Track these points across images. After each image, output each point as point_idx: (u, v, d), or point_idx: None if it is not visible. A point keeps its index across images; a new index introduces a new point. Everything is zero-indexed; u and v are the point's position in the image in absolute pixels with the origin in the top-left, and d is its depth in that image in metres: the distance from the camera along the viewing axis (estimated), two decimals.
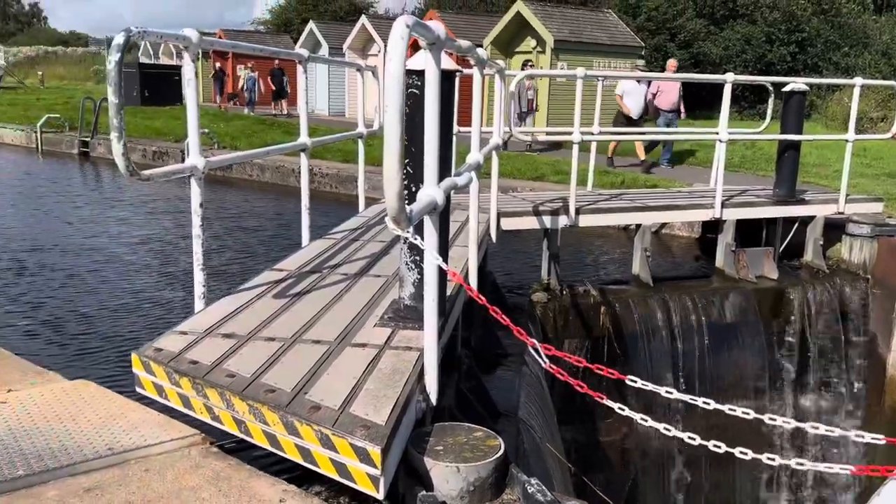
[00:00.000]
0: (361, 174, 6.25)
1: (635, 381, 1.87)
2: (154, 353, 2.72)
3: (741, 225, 7.44)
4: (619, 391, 5.25)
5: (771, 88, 8.28)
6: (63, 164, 17.71)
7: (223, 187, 13.89)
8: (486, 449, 2.36)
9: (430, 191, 2.39)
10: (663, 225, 9.74)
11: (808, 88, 7.47)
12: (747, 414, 1.74)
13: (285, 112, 25.61)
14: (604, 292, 6.70)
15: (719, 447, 1.72)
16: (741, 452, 1.68)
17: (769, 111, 8.63)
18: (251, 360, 2.71)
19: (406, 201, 2.05)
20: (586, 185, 8.05)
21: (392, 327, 3.10)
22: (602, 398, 1.97)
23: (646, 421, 1.84)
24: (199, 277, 3.30)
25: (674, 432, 1.80)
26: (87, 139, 18.73)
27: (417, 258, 3.00)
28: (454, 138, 4.04)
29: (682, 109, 13.23)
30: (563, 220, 6.47)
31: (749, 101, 24.46)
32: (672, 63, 13.42)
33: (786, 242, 7.89)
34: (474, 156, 3.55)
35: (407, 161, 2.80)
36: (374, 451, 2.08)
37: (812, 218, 7.73)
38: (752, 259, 7.45)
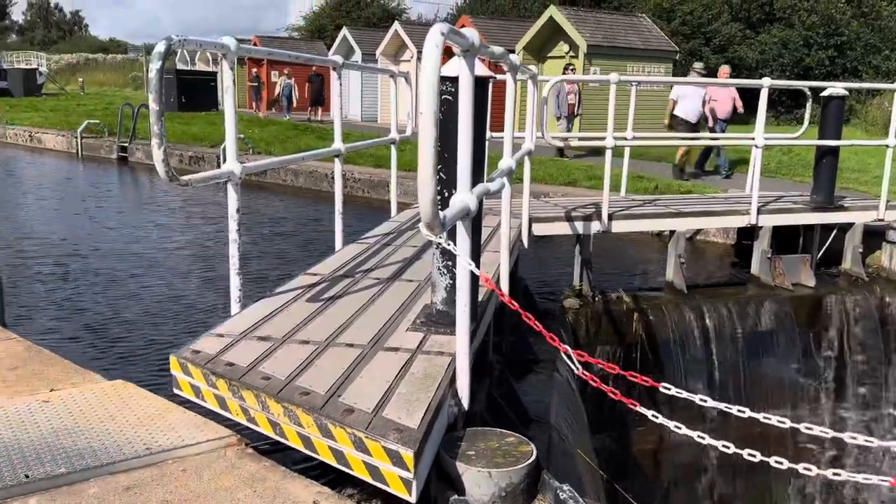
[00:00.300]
0: (394, 179, 6.29)
1: (669, 389, 1.86)
2: (192, 355, 2.77)
3: (778, 231, 7.33)
4: (652, 399, 5.21)
5: (809, 93, 8.16)
6: (102, 168, 18.09)
7: (258, 192, 14.07)
8: (517, 454, 2.36)
9: (463, 196, 2.41)
10: (698, 231, 9.64)
11: (847, 93, 7.34)
12: (783, 422, 1.72)
13: (318, 118, 25.84)
14: (637, 299, 6.65)
15: (754, 456, 1.70)
16: (776, 462, 1.66)
17: (807, 116, 8.50)
18: (286, 362, 2.75)
19: (439, 207, 2.07)
20: (619, 191, 8.00)
21: (424, 332, 3.12)
22: (635, 405, 1.96)
23: (679, 429, 1.83)
24: (235, 281, 3.35)
25: (708, 440, 1.79)
26: (125, 144, 19.11)
27: (450, 263, 3.02)
28: (486, 144, 4.05)
29: (740, 107, 12.67)
30: (595, 226, 6.44)
31: (786, 106, 24.11)
32: (725, 69, 12.87)
33: (823, 249, 7.75)
34: (506, 161, 3.55)
35: (440, 167, 2.82)
36: (407, 455, 2.09)
37: (851, 225, 7.59)
38: (788, 266, 7.33)
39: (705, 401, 1.75)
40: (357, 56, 27.63)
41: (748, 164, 13.73)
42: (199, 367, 2.69)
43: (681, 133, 11.88)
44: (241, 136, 16.61)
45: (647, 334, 6.52)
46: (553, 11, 18.59)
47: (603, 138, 6.28)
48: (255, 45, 28.66)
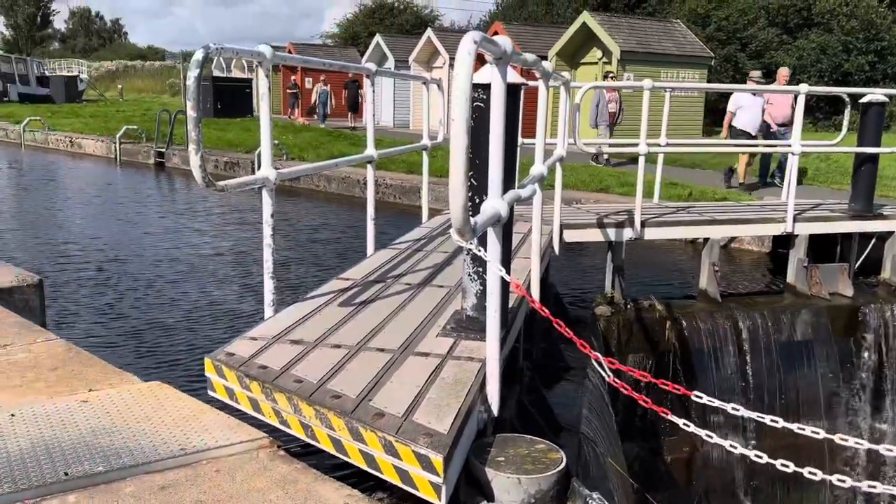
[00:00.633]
0: (425, 185, 6.32)
1: (701, 397, 1.85)
2: (226, 358, 2.82)
3: (814, 240, 7.21)
4: (685, 409, 5.15)
5: (847, 99, 8.02)
6: (140, 173, 18.44)
7: (291, 197, 14.23)
8: (547, 462, 2.36)
9: (495, 203, 2.42)
10: (732, 239, 9.52)
11: (887, 99, 7.21)
12: (817, 433, 1.70)
13: (352, 125, 26.03)
14: (669, 307, 6.59)
15: (787, 466, 1.68)
16: (810, 472, 1.64)
17: (845, 123, 8.35)
18: (318, 366, 2.78)
19: (470, 213, 2.08)
20: (652, 198, 7.94)
21: (454, 337, 3.13)
22: (666, 413, 1.95)
23: (711, 437, 1.81)
24: (268, 285, 3.40)
25: (740, 450, 1.77)
26: (162, 150, 19.47)
27: (480, 269, 3.03)
28: (518, 150, 4.06)
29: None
30: (628, 233, 6.40)
31: (824, 113, 23.72)
32: (784, 72, 12.19)
33: (862, 259, 7.61)
34: (538, 168, 3.56)
35: (471, 173, 2.83)
36: (437, 460, 2.11)
37: (890, 233, 7.44)
38: (825, 275, 7.21)
39: (738, 409, 1.74)
40: (390, 63, 27.81)
41: (805, 175, 13.28)
42: (233, 370, 2.73)
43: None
44: (276, 142, 16.82)
45: (679, 343, 6.45)
46: (586, 17, 18.54)
47: (636, 145, 6.24)
48: (289, 52, 29.01)
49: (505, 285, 2.64)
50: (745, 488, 6.50)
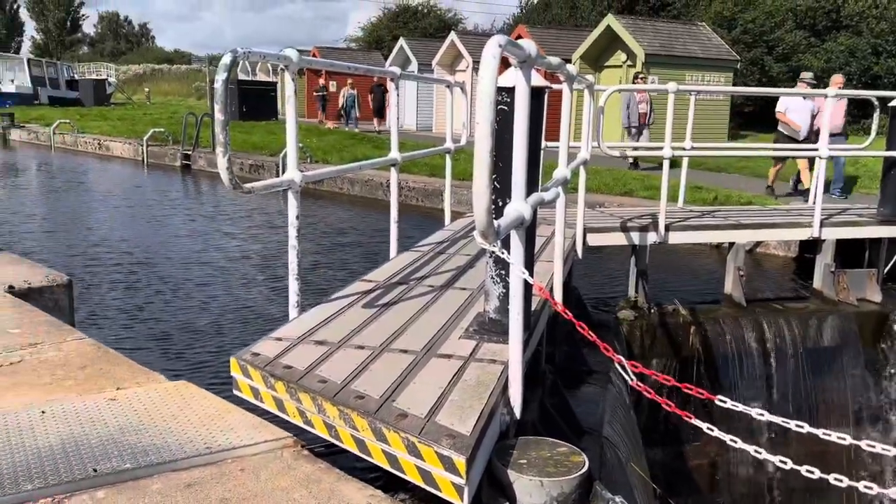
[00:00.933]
0: (448, 188, 6.33)
1: (725, 402, 1.84)
2: (251, 358, 2.85)
3: (842, 245, 7.12)
4: (709, 414, 5.11)
5: (876, 103, 7.91)
6: (167, 176, 18.67)
7: (315, 200, 14.32)
8: (570, 465, 2.36)
9: (518, 205, 2.42)
10: (758, 244, 9.42)
11: None
12: (843, 439, 1.68)
13: (377, 128, 26.10)
14: (694, 312, 6.54)
15: (812, 472, 1.66)
16: (836, 479, 1.63)
17: (874, 126, 8.24)
18: (341, 366, 2.80)
19: (494, 215, 2.09)
20: (677, 202, 7.89)
21: (477, 340, 3.14)
22: (690, 417, 1.94)
23: (735, 442, 1.81)
24: (293, 286, 3.43)
25: (764, 455, 1.76)
26: (188, 152, 19.70)
27: (503, 272, 3.04)
28: (541, 153, 4.06)
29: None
30: (651, 237, 6.36)
31: (853, 116, 23.36)
32: (838, 79, 11.52)
33: (891, 264, 7.49)
34: (561, 171, 3.56)
35: (495, 176, 2.84)
36: (460, 461, 2.11)
37: None
38: (853, 281, 7.11)
39: (762, 414, 1.73)
40: (413, 66, 27.89)
41: (858, 183, 12.90)
42: (258, 370, 2.76)
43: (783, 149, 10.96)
44: (300, 145, 16.97)
45: (703, 348, 6.40)
46: (611, 20, 18.47)
47: (660, 148, 6.21)
48: (314, 56, 29.17)
49: (528, 288, 2.64)
50: (769, 498, 6.43)
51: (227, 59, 2.69)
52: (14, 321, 3.95)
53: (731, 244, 6.86)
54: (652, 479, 4.80)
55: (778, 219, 7.19)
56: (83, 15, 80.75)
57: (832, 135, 10.85)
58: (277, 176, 3.45)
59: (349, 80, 26.77)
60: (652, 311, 6.46)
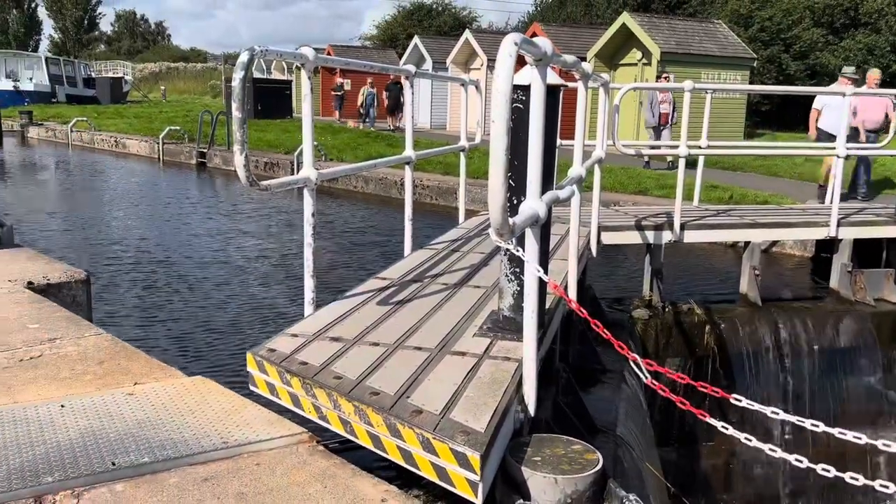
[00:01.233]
0: (462, 186, 6.34)
1: (740, 400, 1.84)
2: (267, 354, 2.88)
3: (859, 245, 7.06)
4: (723, 414, 5.09)
5: (895, 101, 7.84)
6: (183, 173, 18.80)
7: (330, 198, 14.37)
8: (584, 462, 2.36)
9: (533, 203, 2.43)
10: (774, 243, 9.36)
11: None
12: (858, 438, 1.68)
13: (392, 127, 26.09)
14: (709, 311, 6.51)
15: (828, 471, 1.66)
16: (852, 478, 1.62)
17: (892, 125, 8.18)
18: (357, 363, 2.82)
19: (508, 213, 2.10)
20: (692, 200, 7.85)
21: (491, 337, 3.15)
22: (704, 415, 1.94)
23: (750, 440, 1.80)
24: (309, 283, 3.45)
25: (780, 453, 1.76)
26: (204, 150, 19.82)
27: (517, 270, 3.04)
28: (556, 152, 4.06)
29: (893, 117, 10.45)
30: (666, 236, 6.34)
31: None
32: (874, 75, 10.97)
33: None
34: (576, 169, 3.56)
35: (510, 174, 2.84)
36: (474, 457, 2.12)
37: None
38: (870, 281, 7.05)
39: (776, 413, 1.73)
40: (428, 64, 27.90)
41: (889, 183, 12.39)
42: (274, 365, 2.79)
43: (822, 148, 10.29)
44: (315, 143, 17.03)
45: (718, 348, 6.38)
46: (626, 18, 18.40)
47: (676, 147, 6.18)
48: (328, 54, 29.25)
49: (542, 286, 2.65)
50: (784, 499, 6.39)
51: (244, 58, 2.71)
52: (33, 316, 4.00)
53: (747, 243, 6.83)
54: (666, 478, 4.79)
55: (794, 218, 7.15)
56: (100, 13, 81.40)
57: (871, 131, 10.53)
58: (292, 174, 3.47)
59: (369, 79, 26.73)
60: (667, 309, 6.44)
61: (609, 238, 6.08)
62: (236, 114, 2.71)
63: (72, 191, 15.53)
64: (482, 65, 24.53)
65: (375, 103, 26.79)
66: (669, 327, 6.32)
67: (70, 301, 4.58)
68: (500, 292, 3.21)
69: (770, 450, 1.74)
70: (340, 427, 2.56)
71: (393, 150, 15.36)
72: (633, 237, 6.27)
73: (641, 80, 17.53)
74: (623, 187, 11.97)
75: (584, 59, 16.39)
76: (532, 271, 2.43)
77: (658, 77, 15.48)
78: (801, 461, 1.68)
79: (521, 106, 2.88)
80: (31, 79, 40.83)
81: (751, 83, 19.77)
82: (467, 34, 25.94)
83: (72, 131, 25.87)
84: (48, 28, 78.09)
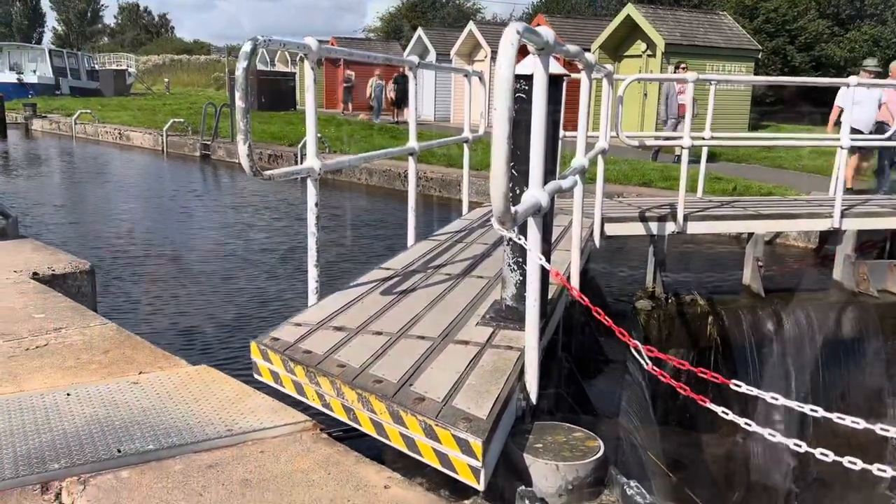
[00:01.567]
0: (466, 178, 6.35)
1: (739, 386, 1.85)
2: (271, 342, 2.90)
3: (863, 236, 7.05)
4: (726, 405, 5.10)
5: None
6: (187, 165, 18.82)
7: (333, 190, 14.37)
8: (585, 449, 2.38)
9: (535, 192, 2.44)
10: (777, 234, 9.35)
11: None
12: (857, 423, 1.69)
13: (396, 119, 26.03)
14: (712, 302, 6.51)
15: (826, 455, 1.67)
16: (850, 462, 1.63)
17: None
18: (360, 351, 2.84)
19: (511, 202, 2.10)
20: (696, 192, 7.85)
21: (493, 326, 3.16)
22: (704, 401, 1.96)
23: (749, 426, 1.82)
24: (312, 273, 3.47)
25: (779, 438, 1.77)
26: (208, 143, 19.82)
27: (520, 259, 3.05)
28: (560, 143, 4.06)
29: None
30: (670, 227, 6.34)
31: None
32: None
33: None
34: (579, 160, 3.56)
35: (512, 164, 2.85)
36: (476, 444, 2.14)
37: None
38: (873, 272, 7.04)
39: (776, 398, 1.74)
40: (432, 56, 27.84)
41: None
42: (278, 354, 2.81)
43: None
44: (319, 135, 17.01)
45: (721, 339, 6.38)
46: (630, 9, 18.33)
47: (679, 138, 6.18)
48: (332, 45, 29.10)
49: (545, 275, 2.66)
50: (787, 488, 6.40)
51: (247, 47, 2.72)
52: (39, 306, 4.02)
53: (751, 234, 6.82)
54: (667, 466, 4.81)
55: (798, 209, 7.14)
56: (103, 5, 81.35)
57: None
58: (297, 165, 3.48)
59: (377, 72, 26.61)
60: (669, 301, 6.44)
61: (612, 229, 6.08)
62: (239, 103, 2.72)
63: (76, 183, 15.56)
64: (486, 57, 24.46)
65: (383, 96, 26.70)
66: (672, 318, 6.33)
67: (75, 292, 4.61)
68: (502, 282, 3.23)
69: (769, 434, 1.76)
70: (344, 414, 2.58)
71: (396, 143, 15.35)
72: (636, 228, 6.27)
73: (646, 72, 17.48)
74: (627, 179, 11.96)
75: (588, 50, 16.34)
76: (534, 260, 2.44)
77: (676, 68, 15.33)
78: (799, 445, 1.69)
79: (523, 96, 2.89)
80: (34, 71, 40.86)
81: (756, 75, 19.70)
82: (471, 26, 25.87)
83: (76, 124, 25.90)
84: (51, 20, 78.15)
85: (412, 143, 4.77)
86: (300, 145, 15.70)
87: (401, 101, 25.86)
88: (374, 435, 2.48)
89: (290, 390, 2.79)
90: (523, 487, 2.29)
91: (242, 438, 2.62)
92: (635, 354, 2.13)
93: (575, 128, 3.85)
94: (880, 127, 10.06)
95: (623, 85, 6.10)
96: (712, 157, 12.94)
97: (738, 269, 7.19)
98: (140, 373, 3.20)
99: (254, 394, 2.97)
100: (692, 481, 5.81)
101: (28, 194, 13.28)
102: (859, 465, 1.62)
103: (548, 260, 2.73)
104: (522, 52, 2.70)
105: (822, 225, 6.85)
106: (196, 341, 5.91)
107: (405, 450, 2.38)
